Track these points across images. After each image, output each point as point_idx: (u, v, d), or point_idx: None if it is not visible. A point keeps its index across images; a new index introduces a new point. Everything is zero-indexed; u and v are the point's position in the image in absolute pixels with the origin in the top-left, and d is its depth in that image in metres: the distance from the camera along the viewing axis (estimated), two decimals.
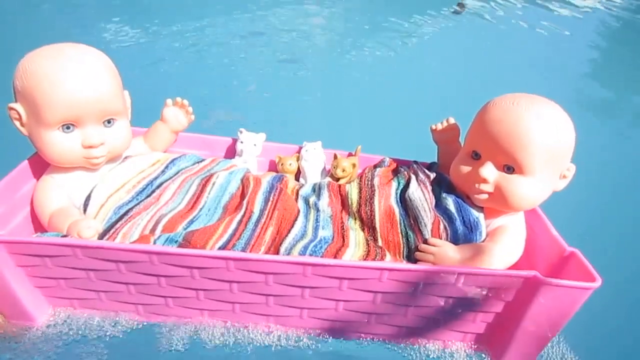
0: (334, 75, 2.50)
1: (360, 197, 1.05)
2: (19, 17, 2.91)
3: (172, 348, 0.95)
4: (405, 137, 1.56)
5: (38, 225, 1.02)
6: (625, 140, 2.15)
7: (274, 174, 1.18)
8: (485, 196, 0.97)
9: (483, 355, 0.98)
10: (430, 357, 0.98)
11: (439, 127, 1.17)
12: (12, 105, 0.93)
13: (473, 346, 0.99)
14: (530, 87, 0.99)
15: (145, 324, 0.98)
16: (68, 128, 0.93)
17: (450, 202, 1.00)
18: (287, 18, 3.30)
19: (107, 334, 0.96)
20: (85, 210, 0.98)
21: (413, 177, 1.06)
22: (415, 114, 1.81)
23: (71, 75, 0.89)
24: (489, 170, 0.95)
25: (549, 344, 0.97)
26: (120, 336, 0.96)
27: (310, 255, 0.89)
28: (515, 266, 0.95)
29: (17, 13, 2.96)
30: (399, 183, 1.07)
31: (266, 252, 0.93)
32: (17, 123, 0.95)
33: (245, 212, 0.98)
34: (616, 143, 2.10)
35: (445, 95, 2.28)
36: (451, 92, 2.32)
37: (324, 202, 1.07)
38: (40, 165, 1.02)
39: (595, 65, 3.12)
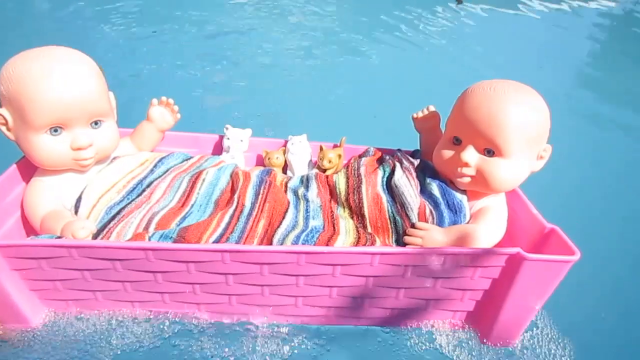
0: (316, 68, 2.52)
1: (348, 187, 1.08)
2: (4, 16, 2.86)
3: (170, 343, 0.96)
4: (388, 127, 1.60)
5: (29, 229, 1.02)
6: (604, 121, 2.23)
7: (262, 168, 1.20)
8: (467, 179, 1.01)
9: (472, 333, 1.03)
10: (422, 337, 1.01)
11: (420, 115, 1.20)
12: None
13: (463, 325, 1.03)
14: (520, 78, 1.03)
15: (142, 321, 0.99)
16: (56, 131, 0.94)
17: (434, 186, 1.04)
18: (274, 14, 3.31)
19: (103, 333, 0.96)
20: (76, 212, 0.99)
21: (398, 164, 1.09)
22: (397, 104, 1.84)
23: (57, 78, 0.89)
24: (470, 154, 0.98)
25: (534, 318, 1.02)
26: (117, 335, 0.96)
27: (303, 244, 0.92)
28: (498, 245, 1.00)
29: (4, 12, 2.91)
30: (384, 171, 1.10)
31: (259, 244, 0.95)
32: (3, 128, 0.95)
33: (237, 206, 1.00)
34: (591, 125, 2.18)
35: (425, 84, 2.32)
36: (431, 81, 2.37)
37: (313, 192, 1.09)
38: (29, 169, 1.02)
39: (594, 57, 3.21)
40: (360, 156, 1.23)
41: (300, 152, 1.25)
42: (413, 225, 1.00)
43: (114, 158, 1.09)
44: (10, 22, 2.81)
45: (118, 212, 0.98)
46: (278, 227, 0.98)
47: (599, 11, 4.10)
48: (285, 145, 1.29)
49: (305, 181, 1.14)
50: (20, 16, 2.91)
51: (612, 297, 1.22)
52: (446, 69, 2.58)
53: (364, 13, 3.46)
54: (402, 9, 3.57)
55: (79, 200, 0.99)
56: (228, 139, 1.26)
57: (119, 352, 0.94)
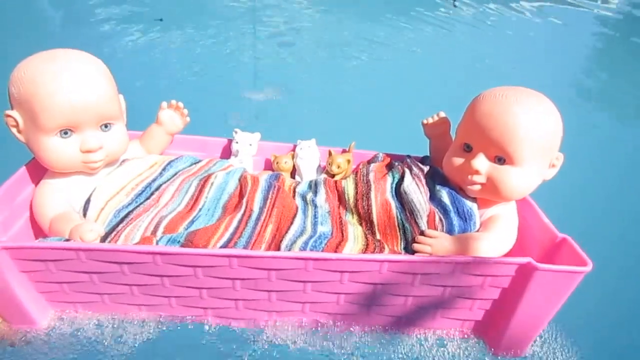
0: (325, 73, 2.52)
1: (356, 192, 1.07)
2: (14, 20, 2.89)
3: (176, 347, 0.96)
4: (398, 133, 1.59)
5: (38, 231, 1.02)
6: (605, 123, 2.21)
7: (270, 172, 1.20)
8: (478, 187, 1.00)
9: (480, 343, 1.01)
10: (429, 346, 1.00)
11: (430, 121, 1.20)
12: (9, 112, 0.93)
13: (472, 334, 1.01)
14: (524, 80, 1.02)
15: (148, 324, 0.99)
16: (66, 133, 0.94)
17: (444, 194, 1.03)
18: (279, 16, 3.32)
19: (110, 336, 0.97)
20: (85, 214, 0.99)
21: (407, 171, 1.08)
22: (407, 109, 1.84)
23: (68, 81, 0.90)
24: (480, 162, 0.97)
25: (545, 328, 1.00)
26: (123, 337, 0.96)
27: (311, 250, 0.91)
28: (509, 254, 0.98)
29: (13, 15, 2.94)
30: (393, 177, 1.10)
31: (267, 249, 0.95)
32: (14, 130, 0.95)
33: (245, 211, 1.00)
34: (592, 126, 2.16)
35: (435, 90, 2.32)
36: (442, 87, 2.36)
37: (321, 198, 1.09)
38: (38, 171, 1.02)
39: (593, 57, 3.19)
40: (369, 162, 1.23)
41: (309, 156, 1.25)
42: (422, 233, 0.99)
43: (123, 161, 1.09)
44: (16, 26, 2.84)
45: (126, 215, 0.98)
46: (286, 232, 0.97)
47: (600, 10, 4.08)
48: (294, 150, 1.29)
49: (313, 186, 1.14)
50: (28, 19, 2.94)
51: (625, 305, 1.21)
52: (456, 74, 2.57)
53: (373, 17, 3.46)
54: (410, 12, 3.56)
55: (87, 202, 0.99)
56: (237, 142, 1.26)
57: (124, 355, 0.94)
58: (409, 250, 1.00)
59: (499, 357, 1.00)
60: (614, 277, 1.26)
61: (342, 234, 0.99)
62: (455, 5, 3.71)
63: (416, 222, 1.00)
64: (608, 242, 1.37)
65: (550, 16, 3.84)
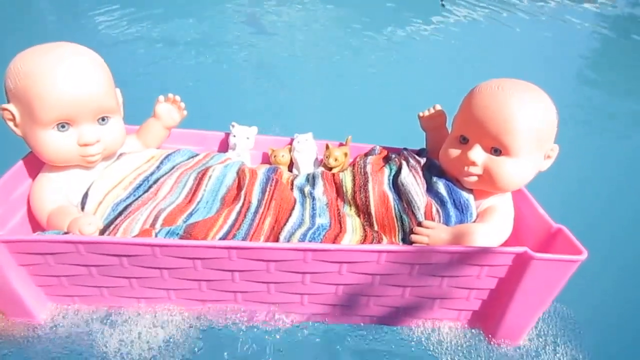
0: (322, 67, 2.52)
1: (354, 185, 1.08)
2: (10, 12, 2.87)
3: (175, 340, 0.96)
4: (394, 126, 1.60)
5: (35, 225, 1.02)
6: (605, 119, 2.23)
7: (268, 166, 1.20)
8: (474, 178, 1.01)
9: (477, 332, 1.02)
10: (427, 336, 1.01)
11: (427, 114, 1.20)
12: (5, 106, 0.93)
13: (469, 324, 1.02)
14: (520, 74, 1.02)
15: (147, 317, 0.99)
16: (63, 127, 0.94)
17: (441, 185, 1.04)
18: (277, 12, 3.32)
19: (108, 329, 0.96)
20: (83, 208, 0.99)
21: (404, 163, 1.09)
22: (403, 102, 1.84)
23: (65, 74, 0.90)
24: (477, 153, 0.98)
25: (541, 317, 1.01)
26: (122, 331, 0.96)
27: (310, 241, 0.92)
28: (505, 244, 0.99)
29: (9, 9, 2.92)
30: (390, 169, 1.10)
31: (266, 241, 0.95)
32: (11, 124, 0.95)
33: (243, 203, 1.00)
34: (591, 122, 2.18)
35: (431, 83, 2.33)
36: (437, 80, 2.37)
37: (319, 190, 1.09)
38: (35, 165, 1.02)
39: (591, 49, 3.21)
40: (366, 154, 1.23)
41: (306, 150, 1.25)
42: (419, 224, 1.00)
43: (121, 154, 1.09)
44: (11, 21, 2.82)
45: (124, 209, 0.98)
46: (284, 224, 0.98)
47: (600, 8, 4.10)
48: (291, 144, 1.29)
49: (311, 179, 1.14)
50: (23, 14, 2.92)
51: (618, 293, 1.22)
52: (452, 68, 2.58)
53: (370, 12, 3.46)
54: (408, 9, 3.57)
55: (85, 196, 0.99)
56: (234, 136, 1.26)
57: (123, 348, 0.94)
58: (406, 241, 1.00)
59: (497, 346, 1.01)
60: (612, 268, 1.27)
61: (341, 225, 1.00)
62: (443, 5, 3.72)
63: (413, 214, 1.00)
64: (606, 234, 1.38)
65: (544, 11, 3.86)
